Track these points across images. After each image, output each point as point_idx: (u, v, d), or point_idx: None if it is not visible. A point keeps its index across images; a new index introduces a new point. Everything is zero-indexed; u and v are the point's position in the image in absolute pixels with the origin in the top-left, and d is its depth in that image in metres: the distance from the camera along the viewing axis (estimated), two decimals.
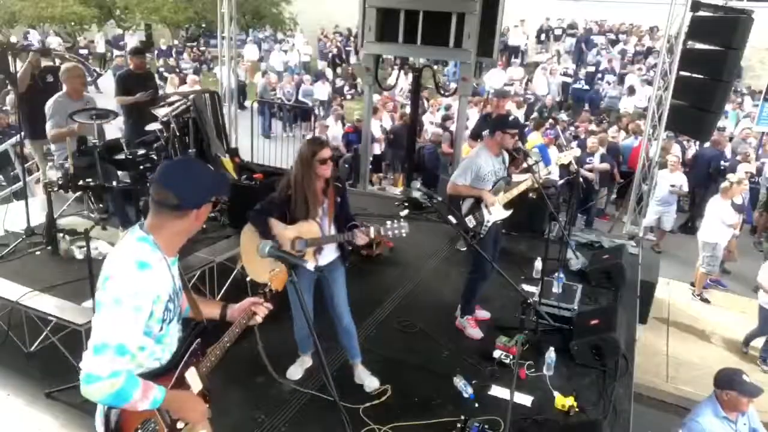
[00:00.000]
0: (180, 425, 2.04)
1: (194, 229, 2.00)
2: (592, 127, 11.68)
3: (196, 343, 2.11)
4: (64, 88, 5.16)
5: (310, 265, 2.23)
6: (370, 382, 3.86)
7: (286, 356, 4.02)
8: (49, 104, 5.02)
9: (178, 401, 1.98)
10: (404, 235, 3.36)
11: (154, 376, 1.94)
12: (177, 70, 16.51)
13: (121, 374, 1.75)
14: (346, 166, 9.66)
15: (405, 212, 5.43)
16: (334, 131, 10.41)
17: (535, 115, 13.11)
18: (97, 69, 19.06)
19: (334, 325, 3.74)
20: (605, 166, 9.06)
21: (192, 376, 2.08)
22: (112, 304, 1.78)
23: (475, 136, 6.55)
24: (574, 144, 9.90)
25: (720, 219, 7.39)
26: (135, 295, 1.79)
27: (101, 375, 1.72)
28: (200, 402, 2.07)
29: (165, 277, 1.91)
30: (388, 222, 3.36)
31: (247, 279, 3.82)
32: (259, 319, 2.20)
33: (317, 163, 3.35)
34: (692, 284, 7.85)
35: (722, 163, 9.82)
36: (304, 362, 4.01)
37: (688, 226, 9.79)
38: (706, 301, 7.67)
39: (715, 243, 7.43)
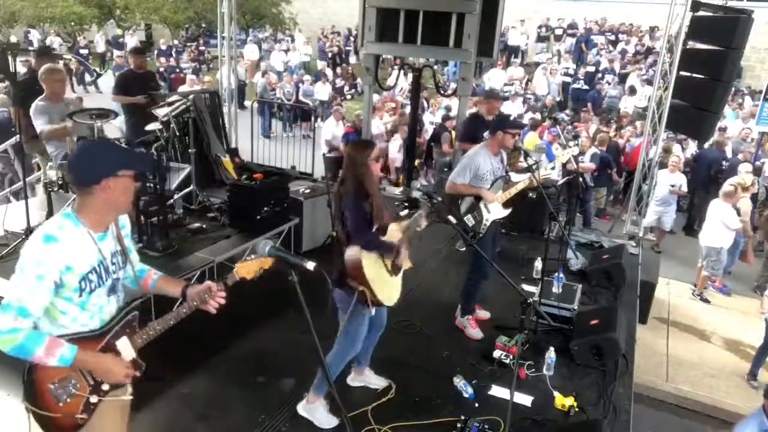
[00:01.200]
0: (105, 386, 2.21)
1: (115, 205, 2.16)
2: (595, 126, 11.65)
3: (131, 315, 2.30)
4: (45, 90, 5.00)
5: (310, 265, 2.22)
6: (377, 381, 3.88)
7: (284, 356, 4.02)
8: (33, 108, 4.92)
9: (92, 362, 2.15)
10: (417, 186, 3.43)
11: (82, 339, 2.14)
12: (177, 69, 16.50)
13: (20, 331, 1.99)
14: None
15: (405, 212, 5.44)
16: (335, 131, 10.40)
17: (535, 115, 13.11)
18: (97, 69, 19.07)
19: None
20: (591, 165, 9.03)
21: (123, 345, 2.25)
22: (19, 271, 2.03)
23: (466, 138, 6.05)
24: (572, 143, 9.91)
25: (723, 223, 7.30)
26: (36, 264, 2.00)
27: (2, 329, 1.97)
28: (119, 365, 2.20)
29: (82, 250, 2.09)
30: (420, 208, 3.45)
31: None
32: (212, 309, 2.31)
33: (373, 162, 3.31)
34: (694, 285, 7.83)
35: (723, 163, 9.81)
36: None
37: (692, 228, 9.70)
38: (707, 301, 7.67)
39: (720, 248, 7.37)
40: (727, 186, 7.55)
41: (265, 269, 2.33)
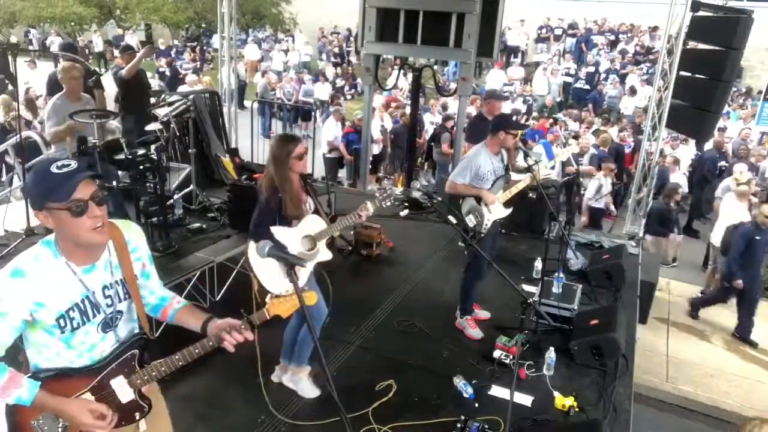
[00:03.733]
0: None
1: (71, 239, 1.84)
2: (596, 126, 11.67)
3: (130, 353, 2.06)
4: (63, 88, 5.13)
5: (310, 265, 2.22)
6: (311, 391, 3.77)
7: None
8: (48, 106, 5.00)
9: (52, 406, 1.90)
10: (394, 197, 3.47)
11: (68, 375, 1.94)
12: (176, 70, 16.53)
13: None
14: None
15: (405, 212, 5.44)
16: (335, 131, 10.40)
17: (535, 115, 13.13)
18: (97, 69, 19.07)
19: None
20: (590, 168, 9.03)
21: (119, 385, 2.03)
22: None
23: (475, 139, 6.18)
24: (572, 141, 9.91)
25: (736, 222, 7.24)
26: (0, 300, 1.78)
27: None
28: (85, 412, 1.92)
29: (58, 285, 1.85)
30: (377, 193, 3.48)
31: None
32: (230, 348, 2.05)
33: (294, 160, 3.35)
34: (702, 293, 7.80)
35: (723, 163, 9.81)
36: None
37: (691, 227, 9.72)
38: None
39: None
40: (742, 187, 7.53)
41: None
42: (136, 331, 2.13)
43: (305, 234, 3.44)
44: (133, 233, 2.08)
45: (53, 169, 1.77)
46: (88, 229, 1.81)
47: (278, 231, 3.36)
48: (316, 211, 3.54)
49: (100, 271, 1.96)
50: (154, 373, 2.07)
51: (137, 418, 2.10)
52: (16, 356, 1.99)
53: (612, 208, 9.04)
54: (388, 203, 3.46)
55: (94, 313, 1.95)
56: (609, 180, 8.62)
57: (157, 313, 2.22)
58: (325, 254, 3.56)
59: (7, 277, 1.80)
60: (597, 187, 8.47)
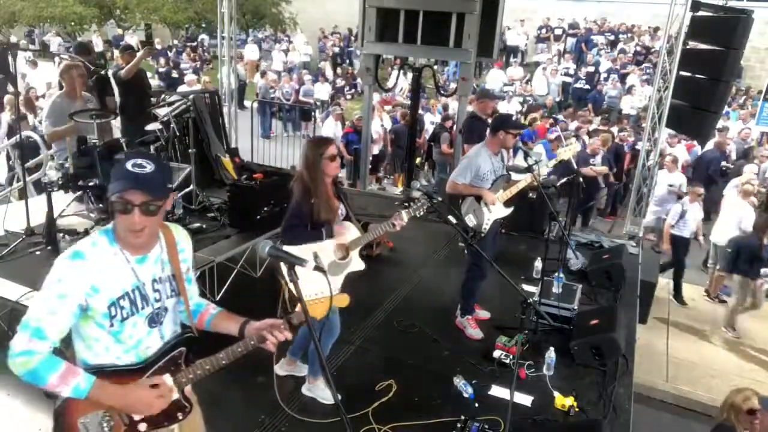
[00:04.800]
0: (142, 426, 2.01)
1: (123, 227, 1.90)
2: (595, 126, 11.67)
3: (177, 351, 2.08)
4: (63, 87, 5.14)
5: (310, 266, 2.22)
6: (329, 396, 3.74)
7: (284, 355, 4.01)
8: (48, 104, 5.01)
9: (111, 394, 1.91)
10: (424, 210, 3.42)
11: (117, 373, 1.96)
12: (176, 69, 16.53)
13: (34, 355, 1.81)
14: None
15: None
16: (334, 131, 10.40)
17: (534, 115, 13.11)
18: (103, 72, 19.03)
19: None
20: (604, 168, 9.02)
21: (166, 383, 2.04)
22: (43, 288, 1.86)
23: (473, 139, 5.92)
24: (573, 140, 9.89)
25: (740, 221, 7.25)
26: (59, 281, 1.84)
27: (14, 350, 1.81)
28: (147, 394, 1.96)
29: (113, 272, 1.90)
30: (411, 203, 3.40)
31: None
32: (271, 347, 2.09)
33: (326, 161, 3.28)
34: (706, 291, 7.80)
35: (725, 164, 9.79)
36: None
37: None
38: (723, 301, 7.61)
39: None
40: (747, 186, 7.52)
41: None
42: (178, 332, 2.15)
43: (340, 242, 3.36)
44: (182, 236, 2.15)
45: (128, 166, 1.87)
46: (125, 228, 1.89)
47: (312, 243, 3.28)
48: (348, 218, 3.47)
49: (151, 263, 2.01)
50: (199, 372, 2.09)
51: (180, 418, 2.10)
52: (63, 352, 1.97)
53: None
54: (421, 213, 3.39)
55: (143, 305, 1.99)
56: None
57: (195, 319, 2.23)
58: (357, 264, 3.46)
59: (68, 260, 1.86)
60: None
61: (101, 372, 1.94)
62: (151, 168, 1.88)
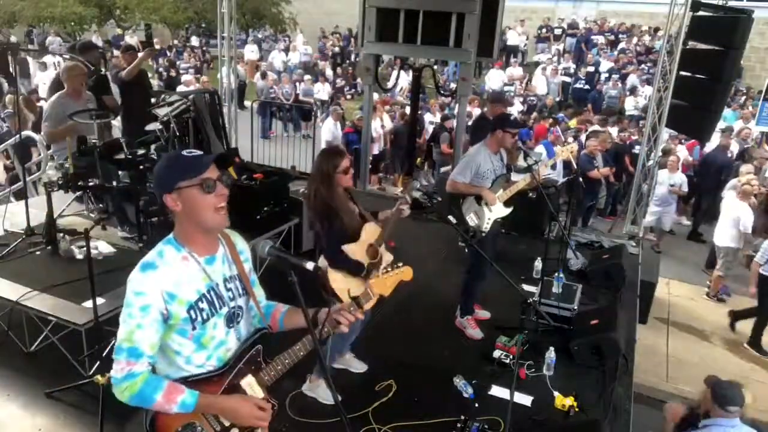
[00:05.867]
0: (234, 431, 2.00)
1: (195, 222, 1.91)
2: (596, 127, 11.66)
3: (255, 349, 2.07)
4: (65, 87, 5.15)
5: (310, 265, 2.22)
6: (358, 365, 4.01)
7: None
8: (49, 104, 5.02)
9: (216, 407, 1.94)
10: (417, 186, 3.40)
11: (201, 381, 1.95)
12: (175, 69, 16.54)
13: (137, 376, 1.81)
14: None
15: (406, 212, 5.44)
16: (333, 131, 10.40)
17: (534, 115, 13.12)
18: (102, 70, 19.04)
19: None
20: (607, 170, 9.00)
21: (249, 384, 2.03)
22: (125, 308, 1.84)
23: (478, 138, 6.30)
24: (571, 141, 9.91)
25: (740, 222, 7.24)
26: (138, 294, 1.82)
27: (117, 377, 1.81)
28: (247, 405, 1.97)
29: (186, 276, 1.90)
30: (413, 182, 3.41)
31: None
32: (344, 328, 2.11)
33: (341, 175, 3.30)
34: (708, 289, 7.81)
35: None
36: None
37: (697, 234, 9.61)
38: (722, 300, 7.62)
39: (737, 248, 7.34)
40: (746, 186, 7.50)
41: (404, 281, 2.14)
42: (252, 329, 2.15)
43: (368, 243, 3.39)
44: (239, 239, 2.16)
45: (185, 153, 1.91)
46: (213, 209, 1.89)
47: (348, 250, 3.33)
48: (361, 216, 3.49)
49: (219, 263, 2.01)
50: (279, 368, 2.08)
51: (270, 415, 2.07)
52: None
53: None
54: (417, 186, 3.42)
55: (220, 305, 1.98)
56: None
57: (268, 319, 2.23)
58: (388, 258, 3.50)
59: (140, 273, 1.85)
60: None
61: (189, 384, 1.93)
62: (198, 151, 1.96)
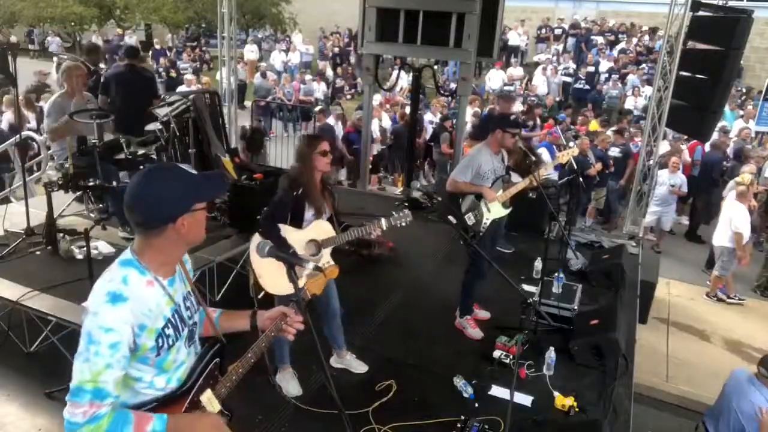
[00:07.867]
0: None
1: (188, 241, 1.82)
2: (596, 127, 11.65)
3: (213, 363, 2.01)
4: (65, 87, 5.15)
5: (310, 266, 2.22)
6: (358, 365, 4.01)
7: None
8: (49, 103, 5.02)
9: (185, 425, 1.83)
10: (407, 223, 3.37)
11: (164, 403, 1.85)
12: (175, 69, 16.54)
13: (101, 418, 1.63)
14: None
15: (406, 211, 5.44)
16: (334, 131, 10.39)
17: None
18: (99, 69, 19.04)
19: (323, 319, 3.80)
20: (600, 166, 8.98)
21: (208, 399, 1.98)
22: (88, 341, 1.65)
23: (480, 136, 6.35)
24: (572, 143, 9.88)
25: (737, 223, 7.24)
26: (108, 332, 1.64)
27: (78, 422, 1.61)
28: (211, 419, 1.91)
29: (153, 303, 1.76)
30: (393, 213, 3.38)
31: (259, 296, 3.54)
32: (290, 337, 2.10)
33: (318, 155, 3.37)
34: (708, 294, 7.81)
35: (724, 164, 9.75)
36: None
37: (695, 233, 9.62)
38: (722, 300, 7.63)
39: (732, 248, 7.34)
40: (740, 187, 7.51)
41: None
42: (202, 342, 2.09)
43: (311, 238, 3.43)
44: None
45: (189, 171, 1.79)
46: (199, 230, 1.84)
47: (285, 229, 3.37)
48: (331, 219, 3.53)
49: (178, 282, 1.89)
50: (234, 378, 2.04)
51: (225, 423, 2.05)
52: None
53: None
54: (404, 224, 3.37)
55: (182, 327, 1.88)
56: None
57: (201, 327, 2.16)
58: (325, 261, 3.46)
59: (110, 306, 1.66)
60: None
61: (151, 408, 1.84)
62: (189, 167, 1.87)
